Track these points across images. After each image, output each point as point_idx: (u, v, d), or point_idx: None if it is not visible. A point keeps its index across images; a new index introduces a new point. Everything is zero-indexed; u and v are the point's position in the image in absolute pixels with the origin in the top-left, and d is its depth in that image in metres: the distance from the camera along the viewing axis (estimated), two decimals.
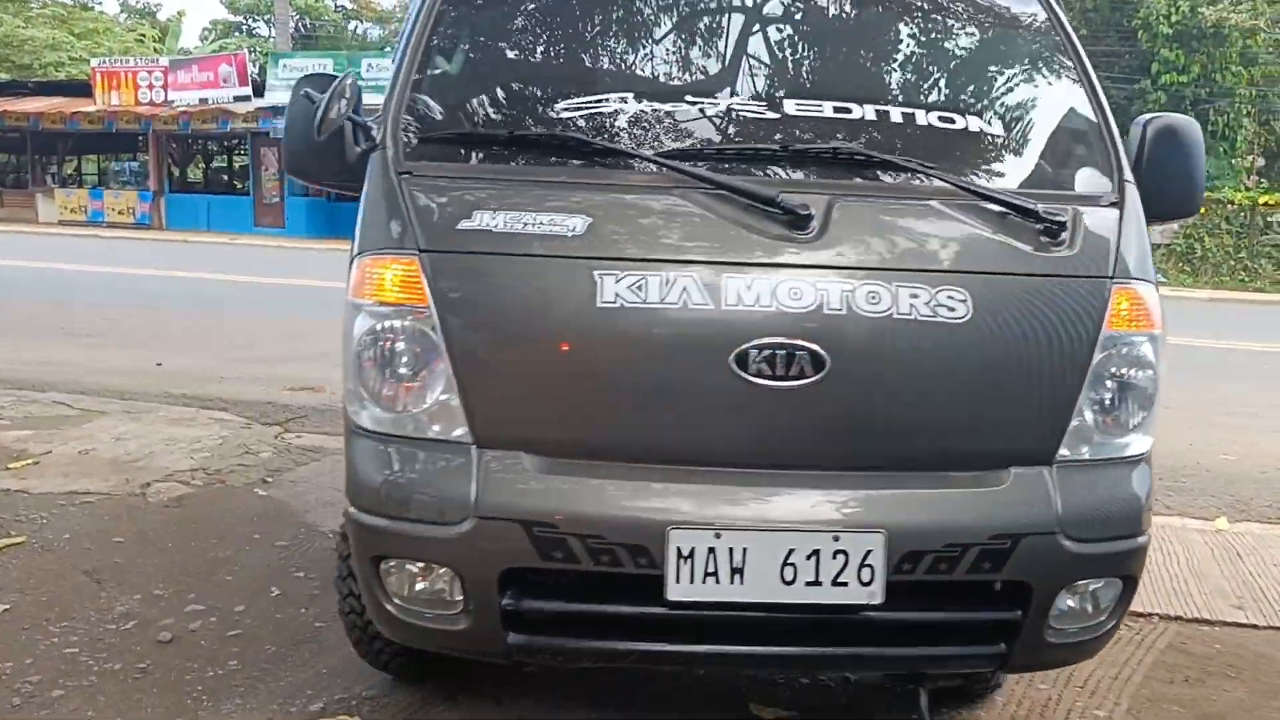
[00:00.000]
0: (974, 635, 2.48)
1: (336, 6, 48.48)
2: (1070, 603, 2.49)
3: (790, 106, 2.67)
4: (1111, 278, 2.48)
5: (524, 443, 2.37)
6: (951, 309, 2.37)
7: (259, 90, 27.46)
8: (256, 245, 24.43)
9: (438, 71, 2.72)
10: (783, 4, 2.97)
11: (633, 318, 2.32)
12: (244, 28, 49.03)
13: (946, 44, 2.98)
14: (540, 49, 2.88)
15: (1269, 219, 22.41)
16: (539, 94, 2.74)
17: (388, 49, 34.41)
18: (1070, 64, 2.85)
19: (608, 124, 2.60)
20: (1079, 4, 23.22)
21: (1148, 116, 2.85)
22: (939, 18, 2.97)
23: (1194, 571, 4.58)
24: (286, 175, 24.78)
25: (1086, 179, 2.71)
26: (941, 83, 2.92)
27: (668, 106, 2.67)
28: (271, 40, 38.51)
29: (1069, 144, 2.80)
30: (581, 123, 2.60)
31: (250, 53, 31.38)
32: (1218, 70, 21.55)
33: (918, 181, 2.56)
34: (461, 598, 2.39)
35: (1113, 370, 2.47)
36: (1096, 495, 2.46)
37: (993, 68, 2.97)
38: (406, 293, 2.37)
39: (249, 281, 16.17)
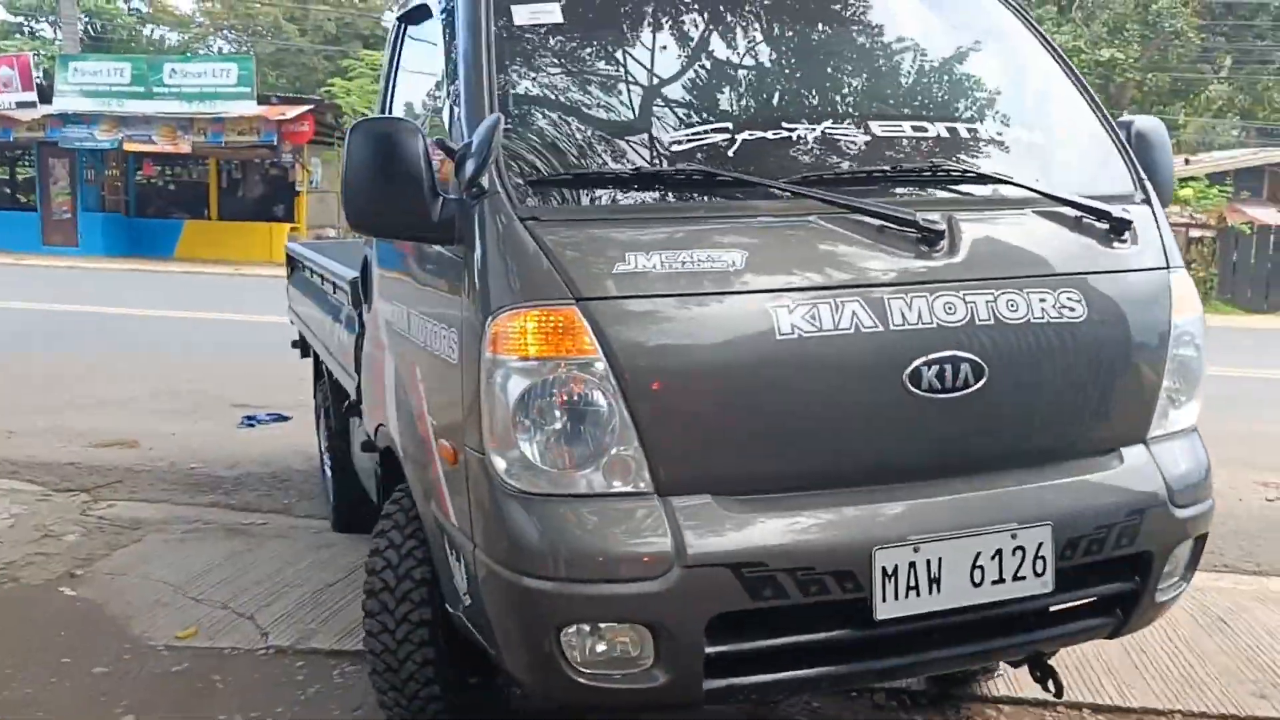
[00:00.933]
0: (1099, 607, 2.69)
1: (130, 9, 45.56)
2: (1169, 566, 2.73)
3: (876, 128, 2.74)
4: (1168, 268, 2.80)
5: (709, 484, 2.36)
6: (1071, 309, 2.59)
7: (45, 96, 25.10)
8: (46, 266, 22.14)
9: (518, 109, 2.58)
10: (849, 33, 3.07)
11: (812, 347, 2.37)
12: (25, 29, 45.46)
13: (984, 64, 3.16)
14: (623, 78, 2.79)
15: None
16: (634, 126, 2.66)
17: (190, 55, 32.22)
18: (1068, 75, 3.09)
19: (719, 154, 2.56)
20: None
21: (1127, 118, 3.15)
22: (971, 40, 3.17)
23: (1190, 647, 4.07)
24: (80, 189, 22.50)
25: (1117, 179, 2.92)
26: (989, 100, 3.10)
27: (768, 134, 2.64)
28: (58, 43, 35.73)
29: (1094, 148, 2.99)
30: (693, 154, 2.56)
31: (34, 55, 28.75)
32: None
33: (1006, 192, 2.70)
34: (657, 652, 2.33)
35: (1180, 351, 2.77)
36: (1183, 464, 2.76)
37: (1015, 81, 3.18)
38: (569, 344, 2.30)
39: (40, 309, 14.17)
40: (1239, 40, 23.87)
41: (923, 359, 2.42)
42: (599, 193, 2.50)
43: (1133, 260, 2.74)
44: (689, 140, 2.61)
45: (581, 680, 2.36)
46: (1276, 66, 24.48)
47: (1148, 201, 2.88)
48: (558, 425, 2.33)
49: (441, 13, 2.89)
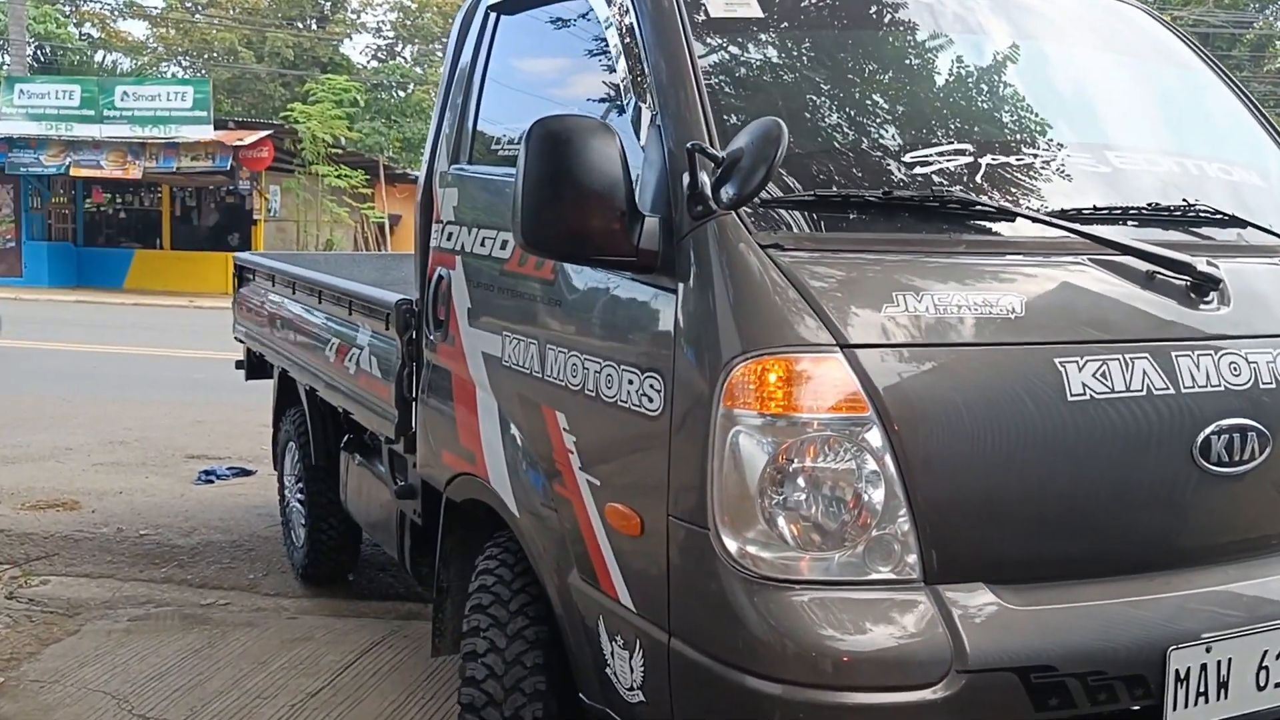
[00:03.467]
0: None
1: (81, 35, 44.41)
2: None
3: (1113, 159, 2.49)
4: None
5: (983, 571, 1.97)
6: None
7: None
8: None
9: (729, 117, 2.18)
10: (1080, 57, 2.83)
11: (1106, 411, 2.05)
12: None
13: (1198, 100, 2.96)
14: (838, 84, 2.47)
15: None
16: (863, 142, 2.33)
17: (145, 78, 31.20)
18: (1265, 122, 2.93)
19: (960, 179, 2.24)
20: None
21: None
22: (1184, 77, 2.96)
23: None
24: (25, 216, 21.57)
25: None
26: (1214, 137, 2.88)
27: (1010, 159, 2.38)
28: (5, 66, 34.60)
29: None
30: (936, 178, 2.23)
31: None
32: None
33: (1252, 237, 2.44)
34: None
35: None
36: None
37: (1230, 121, 2.91)
38: (833, 399, 1.89)
39: None
40: None
41: (1213, 427, 2.11)
42: (843, 218, 2.11)
43: None
44: (927, 162, 2.27)
45: None
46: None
47: None
48: (813, 496, 1.91)
49: (608, 18, 2.48)
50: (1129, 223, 2.31)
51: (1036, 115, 2.61)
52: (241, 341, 5.71)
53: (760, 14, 2.41)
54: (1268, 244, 2.43)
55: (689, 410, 1.98)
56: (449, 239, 2.99)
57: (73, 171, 22.68)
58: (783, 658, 1.86)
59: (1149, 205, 2.36)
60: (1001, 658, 1.89)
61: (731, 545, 1.91)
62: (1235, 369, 2.17)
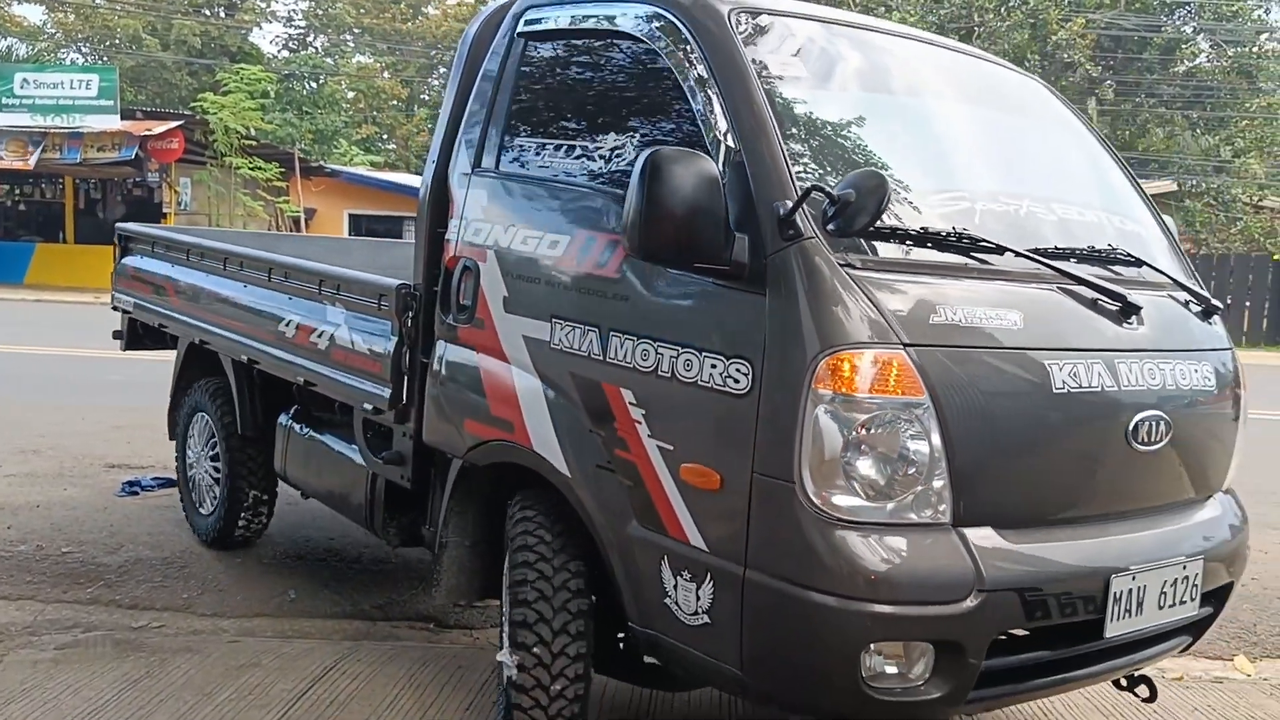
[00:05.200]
0: (1185, 629, 3.03)
1: None
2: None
3: (1059, 210, 3.18)
4: (1231, 348, 3.30)
5: (990, 518, 2.60)
6: (1208, 379, 3.09)
7: None
8: None
9: (797, 152, 2.72)
10: (1026, 127, 3.59)
11: (1078, 399, 2.71)
12: None
13: (1113, 168, 3.61)
14: (867, 129, 3.04)
15: None
16: (899, 185, 2.81)
17: (46, 65, 29.95)
18: (1130, 176, 3.62)
19: (964, 219, 2.81)
20: None
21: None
22: (1099, 149, 3.66)
23: None
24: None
25: (1183, 269, 3.37)
26: (1116, 194, 3.50)
27: (993, 206, 3.00)
28: None
29: (1165, 239, 3.46)
30: (945, 217, 2.80)
31: None
32: None
33: (1146, 274, 3.13)
34: (938, 667, 2.52)
35: (1244, 414, 3.28)
36: (1241, 511, 3.30)
37: (1118, 179, 3.59)
38: (901, 385, 2.48)
39: None
40: (1126, 73, 24.28)
41: (1140, 415, 2.81)
42: (893, 247, 2.66)
43: (1223, 340, 3.29)
44: (943, 204, 2.91)
45: (870, 694, 2.51)
46: (1156, 101, 25.00)
47: (1203, 288, 3.35)
48: (884, 458, 2.50)
49: (668, 56, 2.95)
50: (1073, 259, 2.93)
51: (1007, 173, 3.32)
52: (127, 312, 5.79)
53: (804, 74, 3.00)
54: (1157, 280, 3.17)
55: (779, 391, 2.50)
56: (476, 235, 3.38)
57: None
58: (851, 578, 2.45)
59: (1086, 247, 3.01)
60: (1007, 581, 2.56)
61: (814, 495, 2.47)
62: (1151, 374, 2.89)
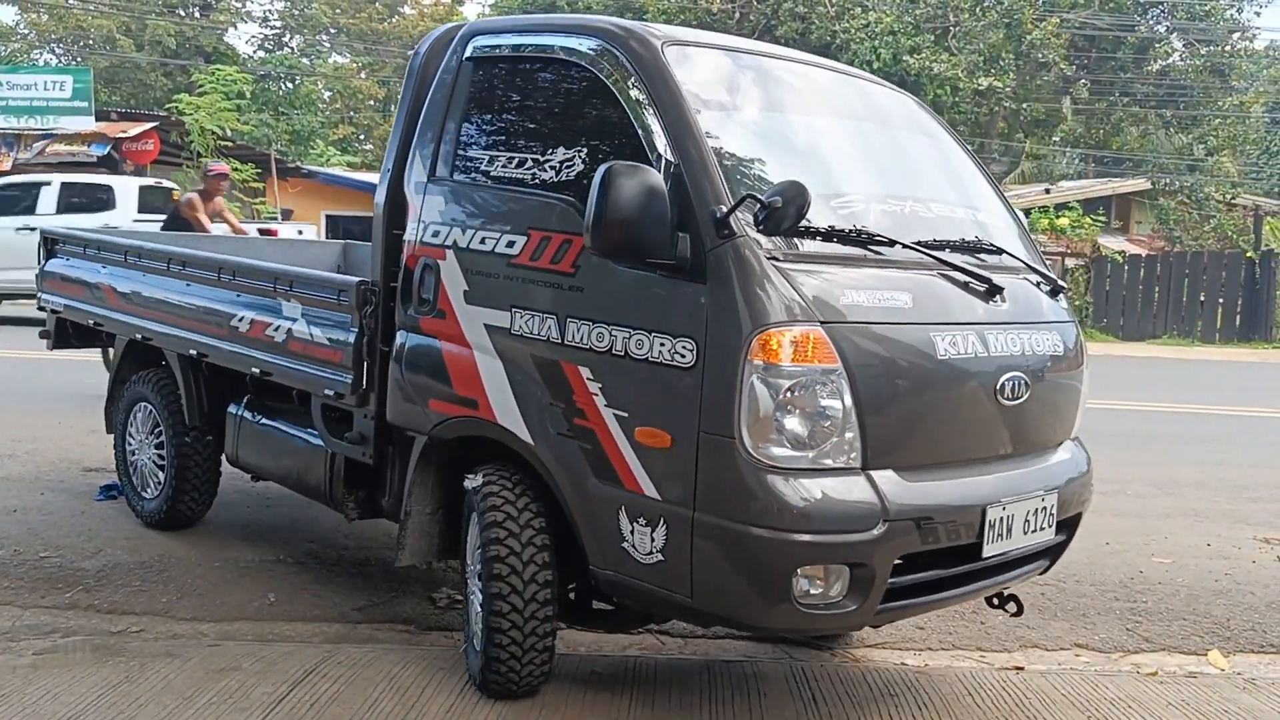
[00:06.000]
0: (1042, 554, 3.73)
1: None
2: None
3: (935, 209, 3.74)
4: (1074, 320, 3.99)
5: (890, 462, 3.16)
6: (1058, 345, 3.72)
7: None
8: None
9: (725, 165, 3.20)
10: (902, 142, 4.09)
11: (957, 365, 3.31)
12: None
13: (975, 170, 4.20)
14: (780, 144, 3.64)
15: None
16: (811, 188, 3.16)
17: (20, 66, 29.65)
18: (985, 172, 4.25)
19: (861, 218, 3.37)
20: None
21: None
22: (962, 155, 4.23)
23: None
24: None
25: (1034, 253, 4.02)
26: (979, 193, 4.08)
27: (884, 207, 3.55)
28: None
29: (1016, 227, 4.08)
30: (847, 216, 3.35)
31: None
32: None
33: (1005, 260, 3.73)
34: (852, 586, 3.09)
35: (1087, 374, 3.99)
36: (1087, 454, 3.99)
37: (974, 175, 4.17)
38: (820, 355, 3.03)
39: None
40: (1100, 72, 24.43)
41: (1005, 376, 3.41)
42: (810, 242, 3.18)
43: (1067, 315, 3.93)
44: (843, 205, 3.40)
45: (800, 610, 3.05)
46: (1130, 100, 25.18)
47: (1049, 268, 4.00)
48: (808, 415, 3.03)
49: (611, 83, 3.43)
50: (948, 249, 3.47)
51: (893, 178, 3.85)
52: (56, 311, 6.09)
53: (727, 99, 3.53)
54: (1014, 265, 3.77)
55: (720, 363, 3.01)
56: (434, 236, 3.80)
57: None
58: (782, 514, 2.98)
59: (958, 239, 3.57)
60: (906, 512, 3.11)
61: (751, 448, 2.99)
62: (1013, 342, 3.48)
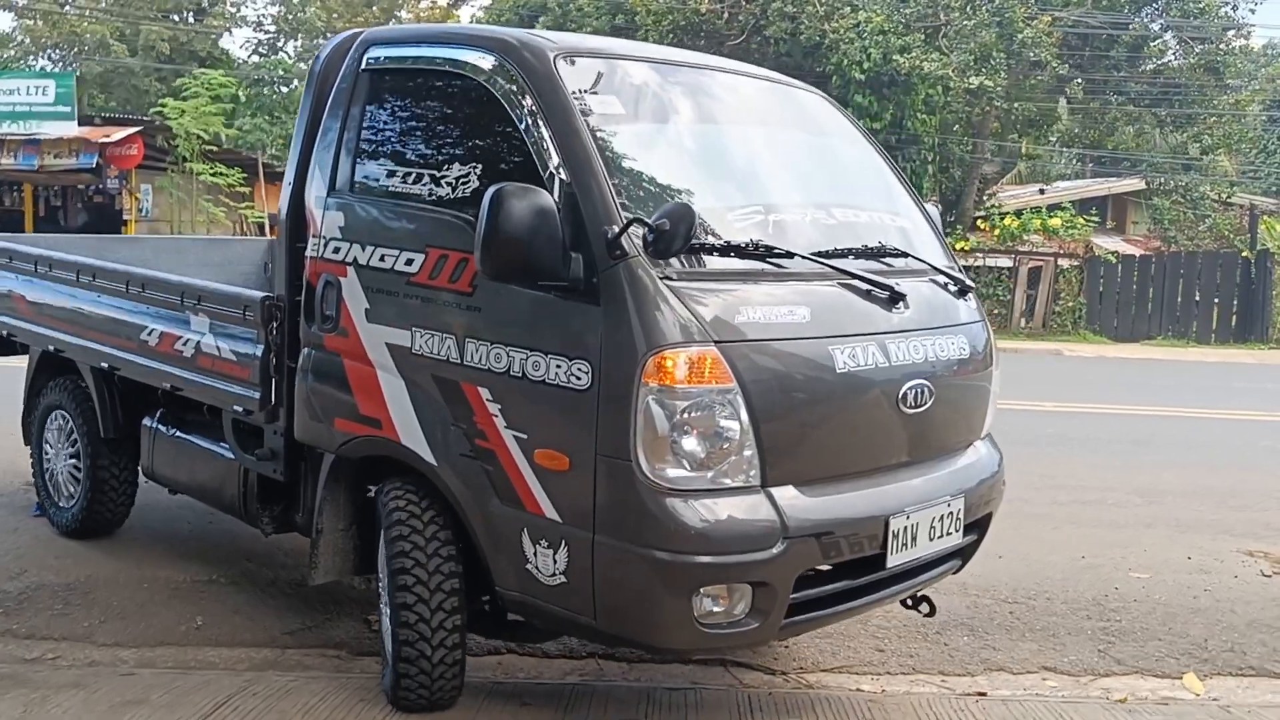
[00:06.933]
0: (954, 555, 3.71)
1: None
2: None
3: (838, 214, 3.73)
4: (983, 321, 3.97)
5: (790, 478, 3.13)
6: (964, 349, 3.70)
7: None
8: None
9: (619, 182, 3.14)
10: (809, 140, 4.15)
11: (857, 377, 3.27)
12: None
13: (884, 169, 4.18)
14: (678, 157, 3.60)
15: None
16: (701, 204, 3.20)
17: (3, 71, 29.49)
18: (901, 177, 4.24)
19: (761, 230, 3.32)
20: (772, 49, 23.10)
21: (928, 206, 4.36)
22: (871, 152, 4.22)
23: None
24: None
25: (941, 253, 4.00)
26: (885, 194, 4.08)
27: (785, 216, 3.52)
28: None
29: (926, 230, 4.03)
30: (746, 229, 3.28)
31: None
32: (907, 117, 22.01)
33: (911, 264, 3.71)
34: (754, 604, 3.07)
35: (995, 372, 3.98)
36: (998, 454, 4.01)
37: (889, 181, 4.16)
38: (714, 375, 2.98)
39: None
40: (1093, 71, 24.23)
41: (907, 385, 3.37)
42: (702, 258, 3.12)
43: (976, 315, 3.91)
44: (743, 218, 3.34)
45: (702, 629, 3.03)
46: (1124, 99, 24.93)
47: (960, 271, 3.97)
48: (705, 436, 2.98)
49: (503, 96, 3.34)
50: (850, 256, 3.43)
51: (796, 184, 3.80)
52: None
53: (622, 111, 3.38)
54: (920, 268, 3.72)
55: (614, 385, 2.96)
56: (335, 252, 3.70)
57: None
58: (681, 535, 2.94)
59: (862, 246, 3.53)
60: (806, 528, 3.09)
61: (647, 469, 2.95)
62: (916, 349, 3.44)
